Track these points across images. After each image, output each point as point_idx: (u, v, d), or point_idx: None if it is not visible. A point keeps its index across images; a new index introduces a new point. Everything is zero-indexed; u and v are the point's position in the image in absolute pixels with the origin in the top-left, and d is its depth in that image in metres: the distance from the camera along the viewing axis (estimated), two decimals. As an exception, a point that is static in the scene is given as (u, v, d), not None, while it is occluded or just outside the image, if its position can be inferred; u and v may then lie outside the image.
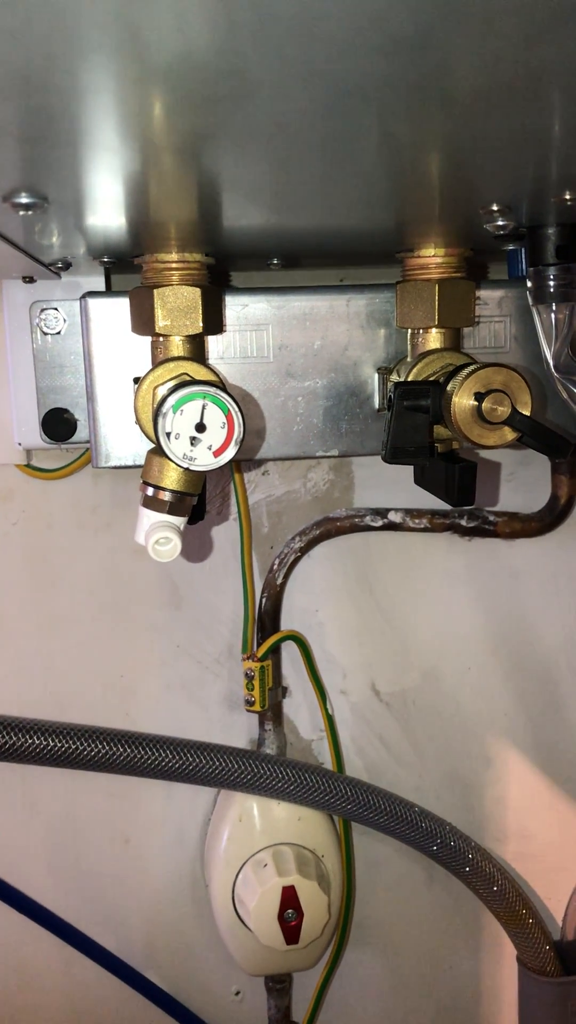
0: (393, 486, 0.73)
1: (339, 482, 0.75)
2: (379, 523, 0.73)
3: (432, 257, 0.52)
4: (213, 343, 0.56)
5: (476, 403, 0.48)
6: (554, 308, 0.46)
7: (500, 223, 0.39)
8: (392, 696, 0.78)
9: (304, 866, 0.71)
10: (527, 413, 0.47)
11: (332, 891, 0.74)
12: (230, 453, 0.45)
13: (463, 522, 0.74)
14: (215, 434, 0.45)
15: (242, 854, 0.72)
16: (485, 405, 0.47)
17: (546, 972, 0.77)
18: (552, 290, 0.45)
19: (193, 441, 0.45)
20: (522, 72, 0.23)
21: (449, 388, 0.49)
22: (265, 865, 0.71)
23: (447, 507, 0.75)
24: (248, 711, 0.73)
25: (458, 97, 0.25)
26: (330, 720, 0.76)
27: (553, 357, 0.45)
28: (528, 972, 0.77)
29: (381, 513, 0.73)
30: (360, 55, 0.22)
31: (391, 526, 0.74)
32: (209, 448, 0.45)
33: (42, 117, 0.27)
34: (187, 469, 0.45)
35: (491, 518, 0.74)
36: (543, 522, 0.74)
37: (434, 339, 0.53)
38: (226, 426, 0.44)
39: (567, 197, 0.35)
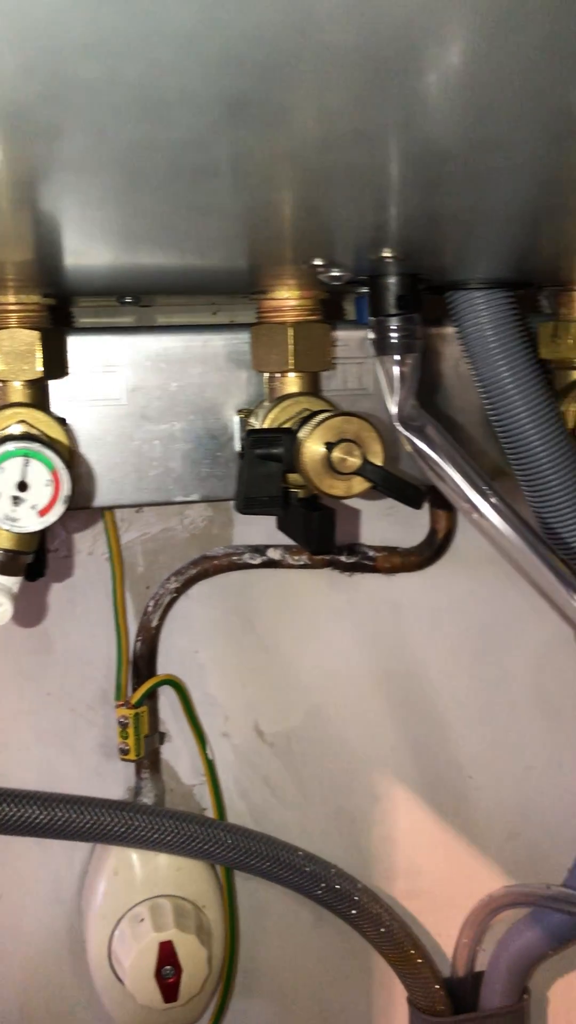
0: (273, 522, 0.72)
1: (218, 518, 0.73)
2: (258, 560, 0.72)
3: (286, 299, 0.50)
4: (62, 385, 0.53)
5: (326, 452, 0.46)
6: (396, 359, 0.45)
7: (334, 274, 0.38)
8: (276, 736, 0.76)
9: (183, 919, 0.69)
10: (379, 463, 0.46)
11: (214, 942, 0.71)
12: (56, 513, 0.43)
13: (343, 558, 0.73)
14: (40, 492, 0.42)
15: (118, 909, 0.70)
16: (335, 455, 0.46)
17: (436, 1012, 0.76)
18: (394, 341, 0.44)
19: (16, 500, 0.42)
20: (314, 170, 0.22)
21: (299, 436, 0.47)
22: (142, 920, 0.69)
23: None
24: (123, 760, 0.70)
25: (253, 179, 0.23)
26: (210, 765, 0.74)
27: (397, 409, 0.44)
28: (418, 1013, 0.76)
29: (260, 550, 0.72)
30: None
31: (271, 563, 0.72)
32: (33, 508, 0.42)
33: None
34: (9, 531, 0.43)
35: (371, 553, 0.73)
36: (423, 556, 0.74)
37: (291, 383, 0.52)
38: (52, 484, 0.42)
39: (385, 255, 0.34)
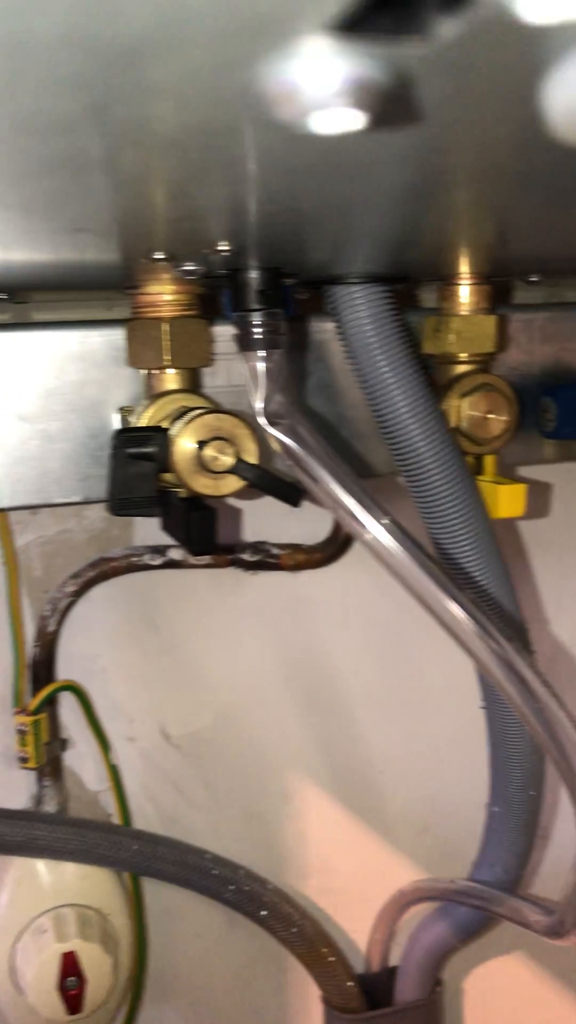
0: (230, 515, 0.71)
1: (118, 519, 0.71)
2: (159, 561, 0.70)
3: (160, 295, 0.49)
4: None
5: (198, 451, 0.45)
6: (260, 355, 0.44)
7: (186, 268, 0.37)
8: (184, 739, 0.75)
9: (87, 928, 0.67)
10: (253, 461, 0.45)
11: (121, 950, 0.70)
12: None
13: (246, 556, 0.72)
14: None
15: (21, 920, 0.68)
16: (206, 453, 0.45)
17: (350, 1009, 0.76)
18: (256, 337, 0.44)
19: None
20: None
21: (171, 434, 0.46)
22: (44, 931, 0.67)
23: (231, 542, 0.73)
24: (23, 768, 0.68)
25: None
26: (114, 770, 0.72)
27: (262, 406, 0.43)
28: (333, 1011, 0.76)
29: (160, 551, 0.70)
30: None
31: (172, 564, 0.71)
32: None
33: None
34: None
35: (274, 551, 0.72)
36: (326, 552, 0.73)
37: (169, 380, 0.51)
38: None
39: (221, 248, 0.33)
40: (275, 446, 0.43)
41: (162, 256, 0.35)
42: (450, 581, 0.44)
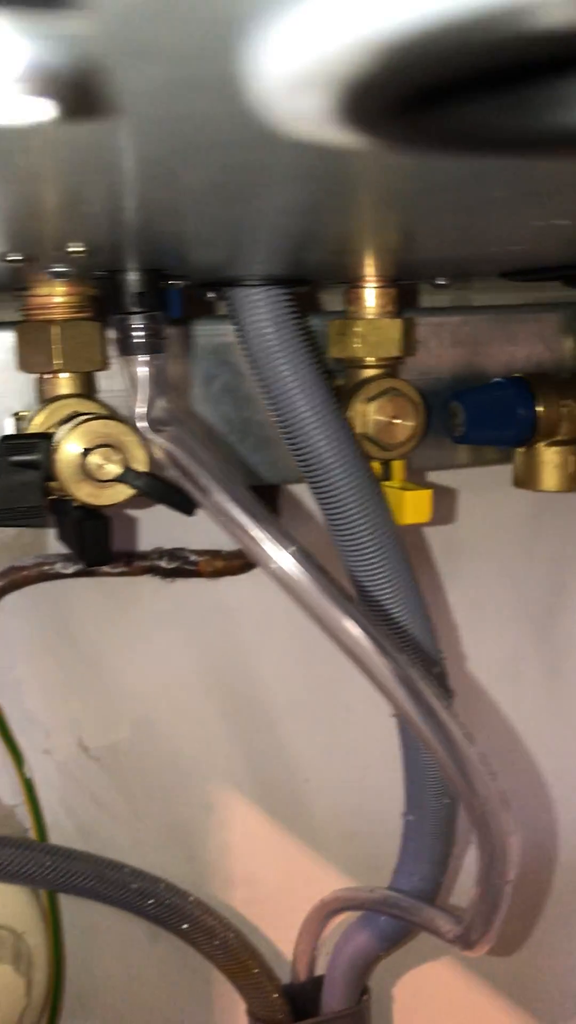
0: (125, 523, 0.69)
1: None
2: (71, 569, 0.68)
3: (49, 296, 0.48)
4: None
5: (82, 458, 0.44)
6: (141, 359, 0.42)
7: (55, 270, 0.35)
8: (102, 751, 0.73)
9: (-2, 948, 0.66)
10: (142, 468, 0.44)
11: (36, 969, 0.68)
12: None
13: (163, 564, 0.70)
14: None
15: None
16: (91, 461, 0.44)
17: (276, 1021, 0.75)
18: (136, 341, 0.42)
19: None
20: None
21: (55, 441, 0.45)
22: (-46, 953, 0.65)
23: (146, 549, 0.71)
24: None
25: None
26: (28, 784, 0.70)
27: (143, 412, 0.42)
28: None
29: (73, 559, 0.68)
30: None
31: (85, 572, 0.69)
32: None
33: None
34: None
35: (192, 557, 0.71)
36: (246, 558, 0.72)
37: (62, 384, 0.49)
38: None
39: (71, 250, 0.32)
40: (158, 454, 0.41)
41: (18, 258, 0.33)
42: (353, 605, 0.43)
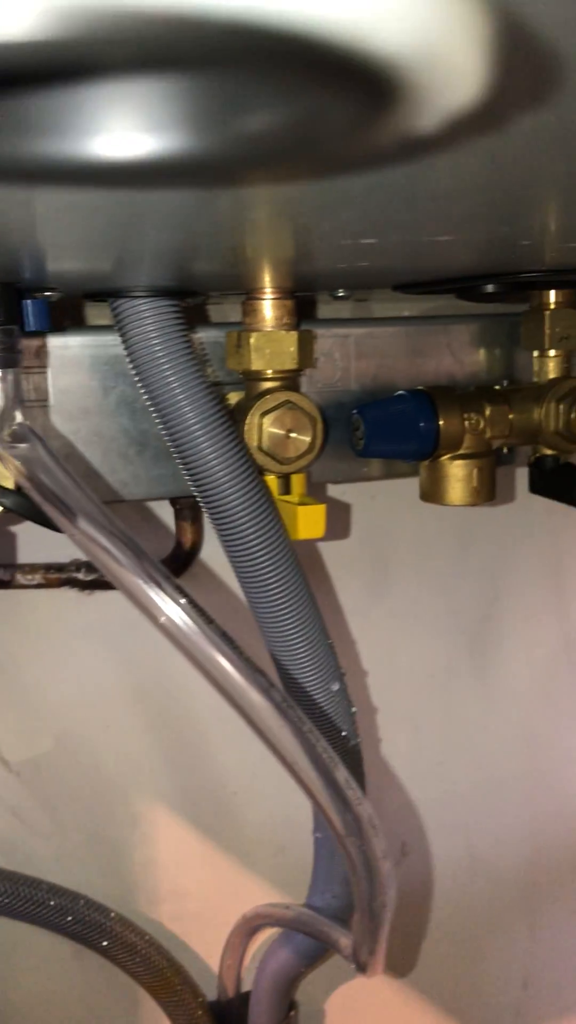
0: (10, 541, 0.68)
1: (-54, 538, 0.69)
2: (-15, 583, 0.68)
3: None
4: None
5: (-50, 477, 0.43)
6: (-4, 376, 0.42)
7: None
8: (23, 765, 0.72)
9: None
10: (8, 485, 0.43)
11: (-50, 988, 0.67)
12: None
13: (80, 576, 0.69)
14: None
15: None
16: (-43, 479, 0.43)
17: (201, 1037, 0.74)
18: (-9, 356, 0.41)
19: None
20: None
21: None
22: None
23: (62, 560, 0.70)
24: None
25: None
26: (-57, 800, 0.69)
27: (-3, 428, 0.41)
28: (182, 1040, 0.74)
29: (-14, 572, 0.68)
30: None
31: (0, 584, 0.68)
32: None
33: None
34: None
35: (111, 570, 0.70)
36: (169, 569, 0.71)
37: None
38: None
39: None
40: (11, 472, 0.40)
41: None
42: (236, 654, 0.43)
